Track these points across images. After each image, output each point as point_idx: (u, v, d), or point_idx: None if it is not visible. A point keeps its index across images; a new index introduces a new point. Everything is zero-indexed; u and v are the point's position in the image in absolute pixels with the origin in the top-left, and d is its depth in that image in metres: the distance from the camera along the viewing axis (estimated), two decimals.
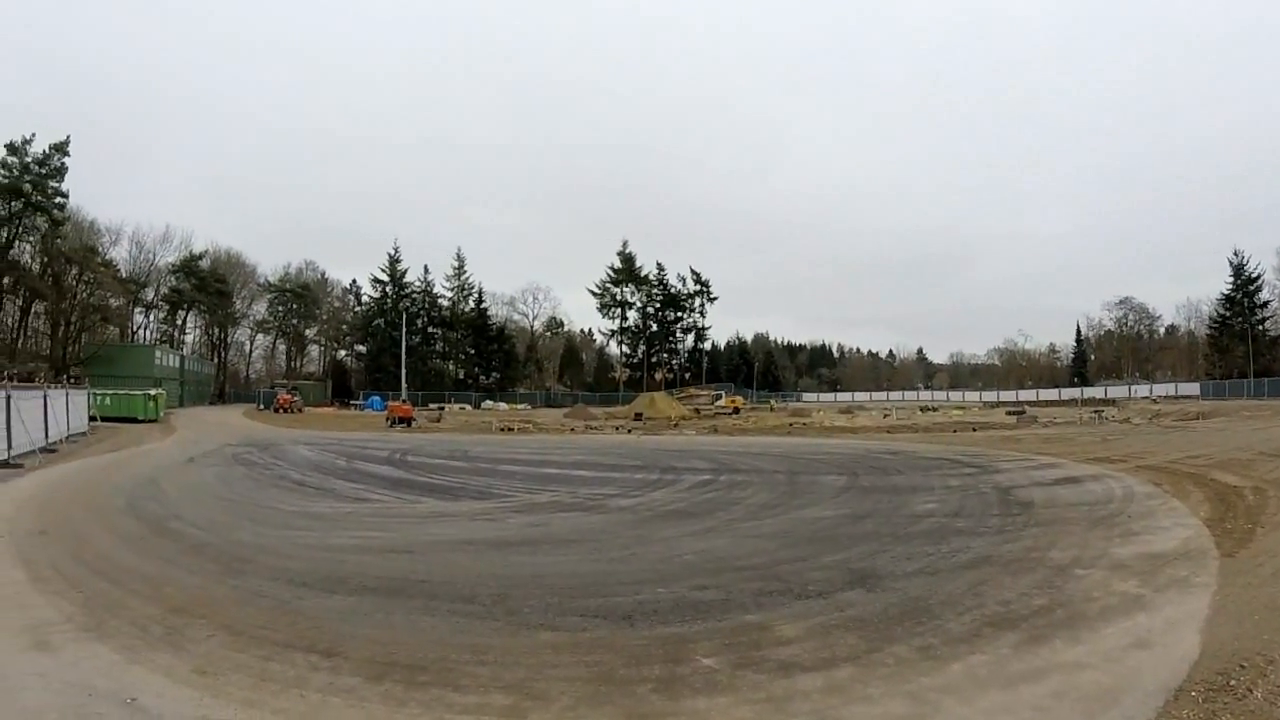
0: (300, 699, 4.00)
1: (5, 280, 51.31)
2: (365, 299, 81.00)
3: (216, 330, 77.18)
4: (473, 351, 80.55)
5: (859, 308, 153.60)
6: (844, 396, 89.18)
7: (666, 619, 5.41)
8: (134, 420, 36.49)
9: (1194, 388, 64.89)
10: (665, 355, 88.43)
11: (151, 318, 71.11)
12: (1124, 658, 4.40)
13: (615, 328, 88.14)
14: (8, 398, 17.30)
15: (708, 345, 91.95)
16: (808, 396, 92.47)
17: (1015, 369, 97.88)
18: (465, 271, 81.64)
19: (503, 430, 34.67)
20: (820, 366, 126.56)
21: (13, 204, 49.84)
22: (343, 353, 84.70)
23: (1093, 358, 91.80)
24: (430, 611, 5.65)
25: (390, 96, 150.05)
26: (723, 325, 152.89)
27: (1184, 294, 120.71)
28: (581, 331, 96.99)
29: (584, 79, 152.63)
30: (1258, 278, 69.48)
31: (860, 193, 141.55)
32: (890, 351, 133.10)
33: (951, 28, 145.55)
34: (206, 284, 70.10)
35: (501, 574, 6.89)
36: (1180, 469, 13.35)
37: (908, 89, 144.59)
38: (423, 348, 76.81)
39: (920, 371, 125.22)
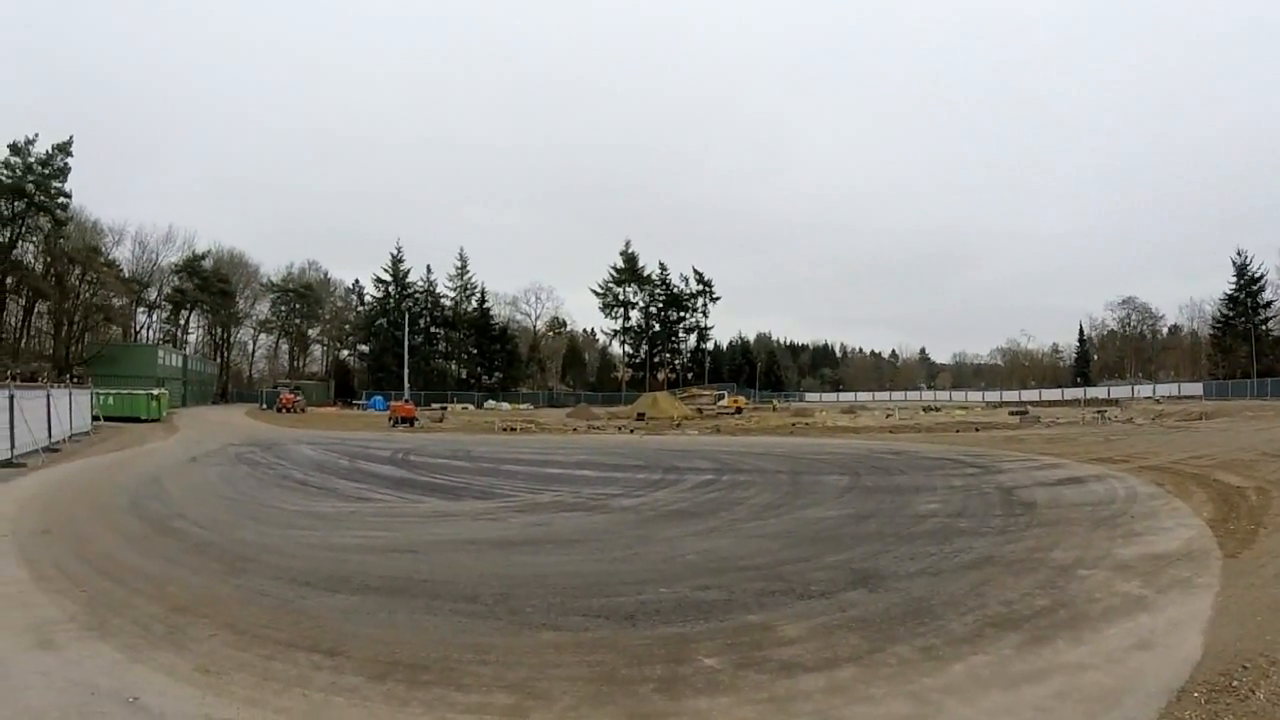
0: (303, 698, 4.01)
1: (9, 280, 51.44)
2: (368, 299, 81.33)
3: (219, 330, 77.45)
4: (475, 351, 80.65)
5: (860, 308, 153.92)
6: (846, 396, 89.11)
7: (669, 619, 5.41)
8: (137, 420, 36.63)
9: (1197, 388, 64.71)
10: (668, 355, 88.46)
11: (154, 317, 71.53)
12: (1126, 658, 4.39)
13: (618, 327, 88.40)
14: (11, 397, 17.35)
15: (710, 345, 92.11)
16: (810, 396, 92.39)
17: (1018, 369, 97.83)
18: (468, 271, 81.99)
19: (505, 430, 34.69)
20: (823, 366, 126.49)
21: (16, 204, 49.95)
22: (345, 352, 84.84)
23: (1095, 358, 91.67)
24: (433, 611, 5.66)
25: (390, 96, 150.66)
26: (725, 325, 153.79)
27: (1186, 293, 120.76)
28: (584, 331, 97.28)
29: (584, 79, 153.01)
30: (1261, 277, 69.53)
31: (860, 193, 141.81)
32: (893, 351, 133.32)
33: (951, 28, 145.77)
34: (209, 284, 70.36)
35: (504, 574, 6.90)
36: (1183, 469, 13.30)
37: (908, 89, 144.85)
38: (425, 347, 76.91)
39: (923, 371, 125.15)
